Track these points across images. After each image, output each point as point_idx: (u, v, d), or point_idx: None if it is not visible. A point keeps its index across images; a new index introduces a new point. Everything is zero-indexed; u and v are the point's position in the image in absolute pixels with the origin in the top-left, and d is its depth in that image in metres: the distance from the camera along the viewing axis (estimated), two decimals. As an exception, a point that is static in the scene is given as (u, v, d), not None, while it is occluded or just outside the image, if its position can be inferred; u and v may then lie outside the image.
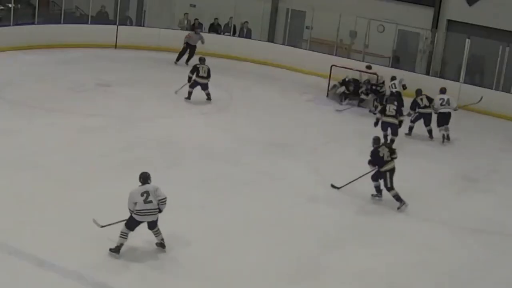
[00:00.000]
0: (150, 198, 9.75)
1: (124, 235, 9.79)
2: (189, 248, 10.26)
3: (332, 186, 13.08)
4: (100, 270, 9.36)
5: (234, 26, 24.25)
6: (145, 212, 9.74)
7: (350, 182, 12.87)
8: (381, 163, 12.52)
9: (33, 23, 21.78)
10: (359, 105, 19.02)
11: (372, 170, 12.57)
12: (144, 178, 10.00)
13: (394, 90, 18.30)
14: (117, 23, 23.26)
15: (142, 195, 9.76)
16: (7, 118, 15.03)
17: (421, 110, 16.87)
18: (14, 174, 12.13)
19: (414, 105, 16.93)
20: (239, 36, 24.22)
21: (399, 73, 19.88)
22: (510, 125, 19.28)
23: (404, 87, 18.63)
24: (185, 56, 21.78)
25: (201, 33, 22.19)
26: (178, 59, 21.83)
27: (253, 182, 13.02)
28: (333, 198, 12.75)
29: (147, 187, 9.89)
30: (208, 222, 11.13)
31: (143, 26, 24.73)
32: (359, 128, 17.02)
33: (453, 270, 10.56)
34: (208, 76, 17.94)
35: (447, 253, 11.03)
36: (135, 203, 9.73)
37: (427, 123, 16.96)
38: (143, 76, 20.05)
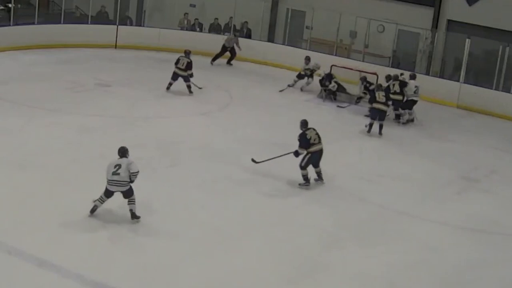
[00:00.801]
0: (119, 171, 10.61)
1: (101, 200, 10.80)
2: (189, 248, 10.26)
3: (252, 160, 13.32)
4: (100, 270, 9.35)
5: (234, 26, 24.26)
6: (112, 183, 10.65)
7: (270, 159, 13.12)
8: (307, 145, 12.84)
9: (33, 23, 21.78)
10: (356, 103, 18.99)
11: (294, 152, 12.93)
12: (122, 152, 10.92)
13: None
14: (117, 23, 23.28)
15: (114, 167, 10.68)
16: (7, 118, 15.03)
17: (391, 96, 17.29)
18: (14, 174, 12.13)
19: (387, 90, 17.36)
20: (239, 36, 24.20)
21: (397, 72, 19.92)
22: (510, 125, 19.29)
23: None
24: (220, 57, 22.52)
25: (238, 37, 22.88)
26: (214, 59, 22.36)
27: (253, 182, 13.02)
28: (333, 198, 12.75)
29: (122, 160, 10.78)
30: (208, 222, 11.12)
31: (143, 26, 24.75)
32: (359, 128, 17.03)
33: (453, 270, 10.55)
34: (187, 69, 18.35)
35: (447, 253, 11.02)
36: (107, 173, 10.70)
37: (396, 107, 17.63)
38: (143, 76, 20.06)
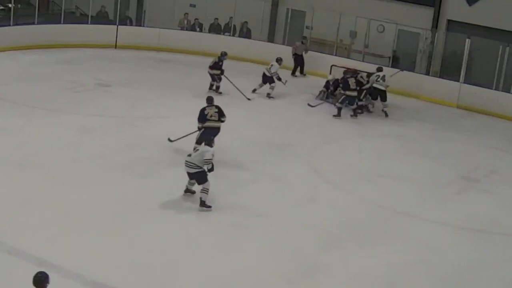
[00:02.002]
0: (192, 154, 11.54)
1: (189, 182, 11.75)
2: (188, 248, 10.26)
3: (169, 139, 13.92)
4: (100, 270, 9.35)
5: (234, 26, 24.26)
6: (185, 163, 11.45)
7: (182, 137, 13.72)
8: (204, 120, 13.45)
9: (33, 23, 21.78)
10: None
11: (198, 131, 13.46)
12: (208, 141, 11.77)
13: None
14: (117, 23, 23.28)
15: (194, 149, 12.16)
16: (7, 118, 15.03)
17: (347, 92, 17.76)
18: (14, 174, 12.13)
19: (346, 85, 17.85)
20: (239, 36, 24.23)
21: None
22: (510, 125, 19.29)
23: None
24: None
25: (305, 43, 22.39)
26: (293, 72, 22.07)
27: (253, 182, 13.02)
28: (333, 198, 12.76)
29: (201, 146, 11.82)
30: (207, 222, 11.12)
31: (143, 26, 24.74)
32: (359, 128, 17.03)
33: (453, 270, 10.55)
34: (216, 68, 18.91)
35: (447, 253, 11.02)
36: None
37: (351, 103, 17.94)
38: (143, 76, 20.05)
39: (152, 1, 25.41)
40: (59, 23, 22.32)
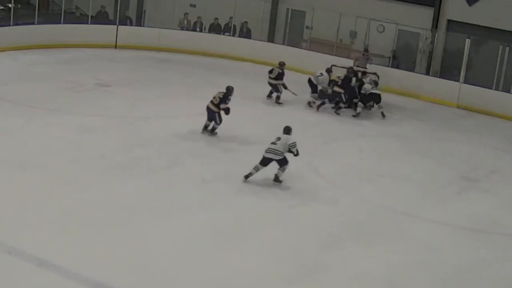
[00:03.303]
0: (277, 142, 12.64)
1: (256, 168, 12.71)
2: (188, 248, 10.26)
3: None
4: (100, 270, 9.35)
5: (234, 26, 24.27)
6: (269, 150, 12.64)
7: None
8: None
9: (33, 23, 21.79)
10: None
11: None
12: (287, 130, 12.90)
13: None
14: (117, 23, 23.29)
15: (275, 138, 12.75)
16: (7, 118, 15.03)
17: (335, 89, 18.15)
18: (14, 174, 12.13)
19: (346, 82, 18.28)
20: (239, 36, 24.23)
21: (397, 72, 19.99)
22: (510, 125, 19.30)
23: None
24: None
25: (366, 55, 21.21)
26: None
27: (253, 182, 13.01)
28: (333, 198, 12.75)
29: (283, 135, 12.81)
30: (207, 222, 11.12)
31: (143, 26, 24.76)
32: (359, 128, 17.03)
33: (453, 270, 10.54)
34: (278, 78, 18.76)
35: (447, 253, 11.02)
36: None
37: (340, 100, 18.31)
38: (143, 76, 20.06)
39: (152, 1, 25.44)
40: (59, 23, 22.34)
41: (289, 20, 24.85)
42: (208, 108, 15.22)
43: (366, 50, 21.64)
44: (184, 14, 24.30)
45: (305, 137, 15.99)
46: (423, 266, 10.50)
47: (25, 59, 20.06)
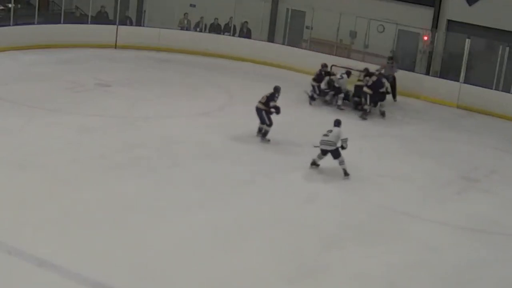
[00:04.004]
0: (329, 134, 13.59)
1: (319, 156, 13.75)
2: (188, 248, 10.26)
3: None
4: (100, 270, 9.35)
5: (234, 26, 24.26)
6: (322, 142, 13.58)
7: None
8: None
9: (33, 23, 21.79)
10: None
11: None
12: (338, 123, 13.88)
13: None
14: (117, 23, 23.28)
15: (327, 131, 13.64)
16: (7, 118, 15.03)
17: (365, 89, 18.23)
18: (14, 174, 12.13)
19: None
20: (239, 36, 24.23)
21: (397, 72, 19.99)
22: (510, 125, 19.29)
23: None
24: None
25: (391, 64, 20.46)
26: (394, 96, 20.17)
27: (253, 182, 13.02)
28: (333, 198, 12.76)
29: (334, 128, 13.72)
30: (208, 222, 11.12)
31: (143, 26, 24.75)
32: (359, 128, 17.03)
33: (453, 270, 10.55)
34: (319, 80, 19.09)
35: (447, 253, 11.02)
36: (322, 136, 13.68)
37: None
38: (143, 76, 20.06)
39: (152, 1, 25.43)
40: (59, 23, 22.33)
41: (289, 20, 24.85)
42: (257, 109, 15.28)
43: (390, 58, 20.99)
44: (184, 14, 24.30)
45: (305, 137, 16.02)
46: (423, 266, 10.50)
47: (25, 59, 20.06)
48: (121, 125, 15.51)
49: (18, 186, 11.65)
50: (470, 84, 20.50)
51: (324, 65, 19.30)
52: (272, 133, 15.72)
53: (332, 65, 20.41)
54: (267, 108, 15.15)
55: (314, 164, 13.89)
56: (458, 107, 20.39)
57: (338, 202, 12.61)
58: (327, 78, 19.01)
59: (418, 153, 15.86)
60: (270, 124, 15.22)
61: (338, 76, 19.01)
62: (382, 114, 18.34)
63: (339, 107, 18.55)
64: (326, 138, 13.61)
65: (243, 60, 22.97)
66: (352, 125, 17.45)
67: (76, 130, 14.70)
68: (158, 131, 15.27)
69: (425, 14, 22.55)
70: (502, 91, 20.40)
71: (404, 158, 15.55)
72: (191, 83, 19.87)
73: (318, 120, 17.66)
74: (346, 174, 13.65)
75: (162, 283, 9.29)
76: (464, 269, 10.67)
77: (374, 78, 18.43)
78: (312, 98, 18.87)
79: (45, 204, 11.11)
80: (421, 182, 14.00)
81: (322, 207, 12.31)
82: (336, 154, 13.64)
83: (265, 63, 22.89)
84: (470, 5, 21.92)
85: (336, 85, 18.85)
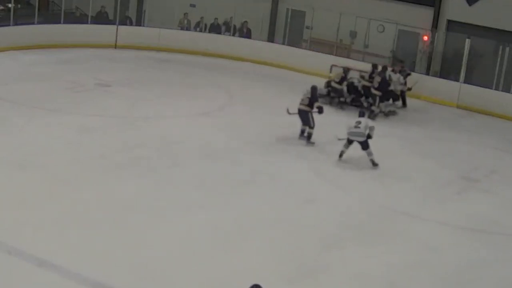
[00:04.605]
0: (359, 125, 14.07)
1: (345, 146, 14.30)
2: (188, 248, 10.26)
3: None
4: (100, 270, 9.35)
5: (234, 26, 24.26)
6: (353, 134, 14.10)
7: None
8: None
9: (33, 23, 21.78)
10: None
11: None
12: (362, 113, 14.57)
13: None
14: (117, 23, 23.28)
15: (355, 122, 14.11)
16: (7, 118, 15.03)
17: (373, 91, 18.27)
18: (14, 174, 12.13)
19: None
20: (239, 36, 24.24)
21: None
22: (510, 125, 19.30)
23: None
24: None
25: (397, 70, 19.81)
26: (404, 104, 19.74)
27: (253, 182, 13.02)
28: (333, 198, 12.76)
29: (361, 119, 14.21)
30: (208, 222, 11.12)
31: (143, 26, 24.75)
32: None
33: (453, 270, 10.55)
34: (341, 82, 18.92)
35: (447, 253, 11.02)
36: (348, 127, 14.16)
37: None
38: (143, 76, 20.06)
39: (152, 1, 25.43)
40: (59, 23, 22.33)
41: (289, 20, 24.85)
42: (300, 111, 15.40)
43: (401, 61, 20.91)
44: (184, 14, 24.30)
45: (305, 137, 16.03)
46: (423, 266, 10.50)
47: (25, 59, 20.06)
48: (121, 125, 15.51)
49: (18, 186, 11.65)
50: (470, 84, 20.51)
51: (347, 69, 19.13)
52: (272, 133, 15.75)
53: (332, 65, 20.43)
54: (311, 109, 15.32)
55: (342, 155, 14.41)
56: (458, 107, 20.40)
57: (338, 202, 12.61)
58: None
59: (418, 153, 15.87)
60: (313, 125, 15.36)
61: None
62: (386, 114, 18.33)
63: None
64: (357, 130, 14.08)
65: (243, 60, 22.98)
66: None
67: (76, 130, 14.70)
68: (158, 131, 15.27)
69: (425, 14, 22.55)
70: (502, 91, 20.40)
71: (404, 158, 15.55)
72: (191, 83, 19.87)
73: (318, 120, 17.69)
74: (374, 164, 14.20)
75: (162, 283, 9.30)
76: (464, 269, 10.67)
77: (378, 78, 18.30)
78: (341, 103, 18.76)
79: (45, 204, 11.11)
80: (421, 182, 14.01)
81: (322, 207, 12.31)
82: (366, 145, 14.14)
83: (265, 63, 22.89)
84: (470, 5, 21.92)
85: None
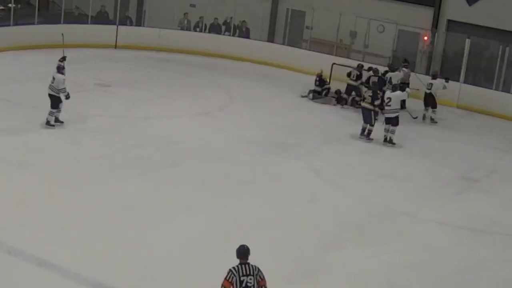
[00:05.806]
0: (390, 103, 15.59)
1: (386, 130, 15.53)
2: (188, 248, 10.26)
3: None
4: (100, 270, 9.35)
5: (234, 26, 24.27)
6: (388, 111, 15.56)
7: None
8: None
9: (33, 23, 21.77)
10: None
11: None
12: (394, 88, 15.79)
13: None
14: (117, 23, 23.28)
15: (387, 98, 15.62)
16: (7, 118, 15.03)
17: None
18: (14, 174, 12.13)
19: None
20: (238, 36, 24.24)
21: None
22: (510, 125, 19.30)
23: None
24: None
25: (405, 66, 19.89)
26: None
27: (253, 182, 13.02)
28: (333, 198, 12.76)
29: (393, 94, 15.54)
30: (207, 222, 11.12)
31: (143, 26, 24.75)
32: (359, 128, 17.00)
33: (453, 270, 10.55)
34: (357, 79, 19.11)
35: (447, 253, 11.02)
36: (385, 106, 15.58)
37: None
38: (143, 76, 20.06)
39: (152, 1, 25.42)
40: (59, 23, 22.29)
41: (289, 20, 24.86)
42: (365, 109, 15.94)
43: (406, 61, 20.57)
44: (184, 14, 24.30)
45: (305, 137, 16.05)
46: (423, 266, 10.50)
47: (26, 59, 20.05)
48: (121, 125, 15.51)
49: (18, 186, 11.64)
50: (470, 84, 20.51)
51: (361, 66, 19.32)
52: (272, 133, 15.75)
53: (333, 64, 20.42)
54: (373, 108, 15.75)
55: (386, 139, 15.53)
56: (458, 107, 20.40)
57: (338, 202, 12.61)
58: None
59: (419, 153, 15.87)
60: (374, 124, 15.86)
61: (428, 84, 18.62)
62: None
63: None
64: (389, 108, 15.17)
65: (243, 60, 22.98)
66: (353, 126, 17.47)
67: (76, 130, 14.69)
68: (158, 131, 15.27)
69: (425, 14, 22.55)
70: (502, 91, 20.41)
71: (404, 158, 15.55)
72: (191, 83, 19.87)
73: (318, 121, 17.72)
74: (391, 142, 15.32)
75: (162, 283, 9.30)
76: (464, 269, 10.67)
77: (369, 93, 17.75)
78: (356, 101, 18.80)
79: (45, 204, 11.11)
80: (421, 182, 14.01)
81: (322, 207, 12.31)
82: (395, 122, 15.34)
83: (265, 63, 22.89)
84: (470, 5, 21.92)
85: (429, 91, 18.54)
